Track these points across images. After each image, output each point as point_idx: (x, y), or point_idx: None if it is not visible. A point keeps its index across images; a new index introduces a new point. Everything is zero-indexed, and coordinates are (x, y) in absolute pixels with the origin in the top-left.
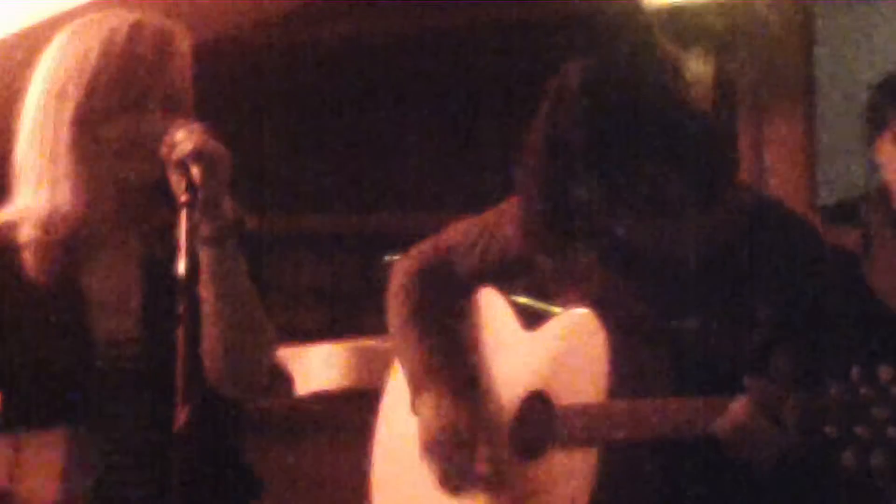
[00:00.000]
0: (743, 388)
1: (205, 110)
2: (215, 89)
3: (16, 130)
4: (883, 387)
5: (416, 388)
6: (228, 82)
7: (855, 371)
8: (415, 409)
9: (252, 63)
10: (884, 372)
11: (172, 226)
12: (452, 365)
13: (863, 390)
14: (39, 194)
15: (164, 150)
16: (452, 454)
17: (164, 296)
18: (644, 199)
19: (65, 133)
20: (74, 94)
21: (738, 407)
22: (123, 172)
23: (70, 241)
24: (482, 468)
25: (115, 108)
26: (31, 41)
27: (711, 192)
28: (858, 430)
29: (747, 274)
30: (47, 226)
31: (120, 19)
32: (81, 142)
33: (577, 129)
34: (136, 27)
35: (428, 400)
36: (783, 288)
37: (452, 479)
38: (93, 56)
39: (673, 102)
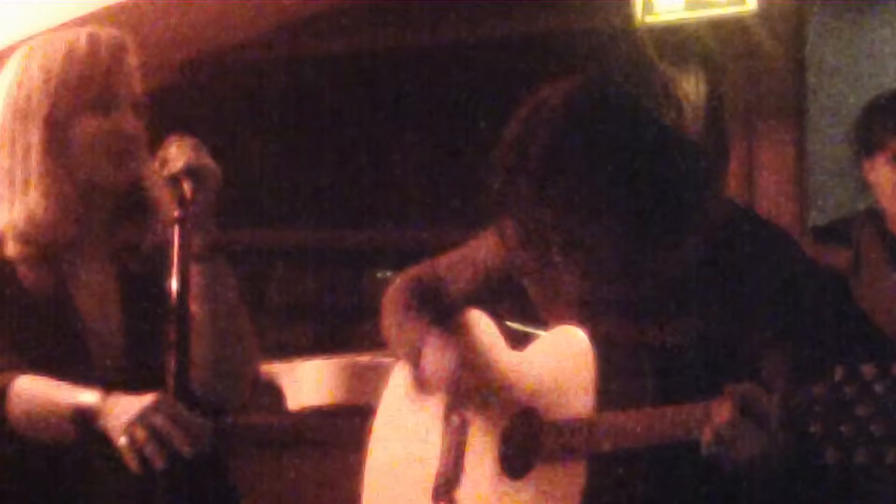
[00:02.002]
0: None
1: (196, 124)
2: (206, 103)
3: None
4: (866, 385)
5: (415, 357)
6: (219, 97)
7: (838, 370)
8: (418, 379)
9: (243, 78)
10: (867, 370)
11: (143, 236)
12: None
13: (847, 389)
14: (14, 202)
15: (156, 164)
16: (462, 384)
17: (143, 308)
18: (622, 215)
19: (34, 139)
20: (42, 101)
21: (721, 409)
22: (93, 174)
23: (53, 251)
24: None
25: (81, 108)
26: None
27: (693, 207)
28: (843, 428)
29: (729, 283)
30: (28, 237)
31: (77, 31)
32: (51, 147)
33: (553, 145)
34: (94, 36)
35: (428, 354)
36: (761, 293)
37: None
38: (56, 63)
39: (658, 120)
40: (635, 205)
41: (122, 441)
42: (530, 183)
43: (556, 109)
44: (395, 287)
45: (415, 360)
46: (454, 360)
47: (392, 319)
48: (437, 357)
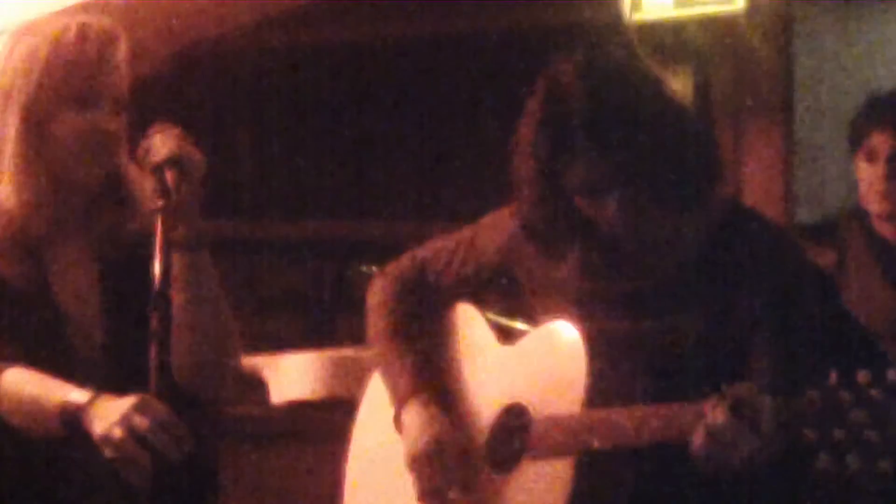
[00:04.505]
0: (719, 393)
1: (181, 115)
2: (192, 94)
3: None
4: (861, 390)
5: (400, 401)
6: (206, 87)
7: (833, 375)
8: (398, 422)
9: (229, 68)
10: (862, 375)
11: (121, 227)
12: (435, 379)
13: (841, 393)
14: None
15: (139, 153)
16: (439, 467)
17: (122, 298)
18: (631, 188)
19: (11, 129)
20: (23, 89)
21: (714, 411)
22: (70, 171)
23: (27, 242)
24: (455, 492)
25: (63, 104)
26: None
27: (697, 190)
28: (836, 433)
29: (724, 280)
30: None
31: (67, 20)
32: (28, 138)
33: (573, 117)
34: (83, 28)
35: (413, 413)
36: (760, 293)
37: (437, 493)
38: (42, 54)
39: (649, 109)
40: (654, 184)
41: (104, 442)
42: (548, 166)
43: (571, 91)
44: (379, 292)
45: (396, 414)
46: (433, 438)
47: (377, 340)
48: (416, 439)
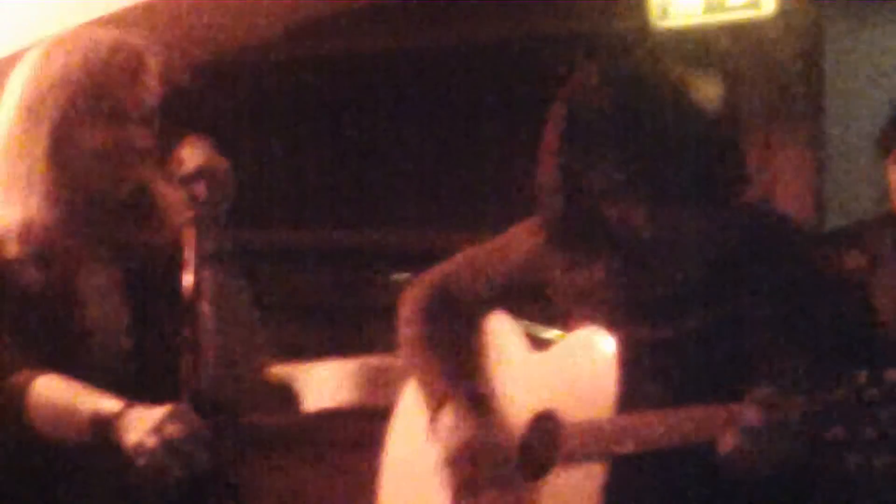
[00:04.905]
0: (747, 395)
1: (207, 126)
2: (217, 105)
3: None
4: (890, 388)
5: (434, 408)
6: (230, 99)
7: (862, 374)
8: (433, 428)
9: (253, 80)
10: (891, 374)
11: (149, 239)
12: (469, 383)
13: (870, 392)
14: (13, 207)
15: (169, 166)
16: (474, 467)
17: (149, 310)
18: (657, 193)
19: (42, 143)
20: (53, 104)
21: (744, 413)
22: (97, 185)
23: (55, 254)
24: (489, 494)
25: (92, 119)
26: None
27: (723, 195)
28: (866, 431)
29: (751, 283)
30: (28, 240)
31: (99, 35)
32: (58, 152)
33: (597, 125)
34: (115, 44)
35: (448, 416)
36: (787, 295)
37: (472, 493)
38: (74, 68)
39: (676, 115)
40: (679, 189)
41: (137, 451)
42: (574, 172)
43: (597, 97)
44: (410, 303)
45: (430, 420)
46: (466, 447)
47: (410, 349)
48: (451, 440)
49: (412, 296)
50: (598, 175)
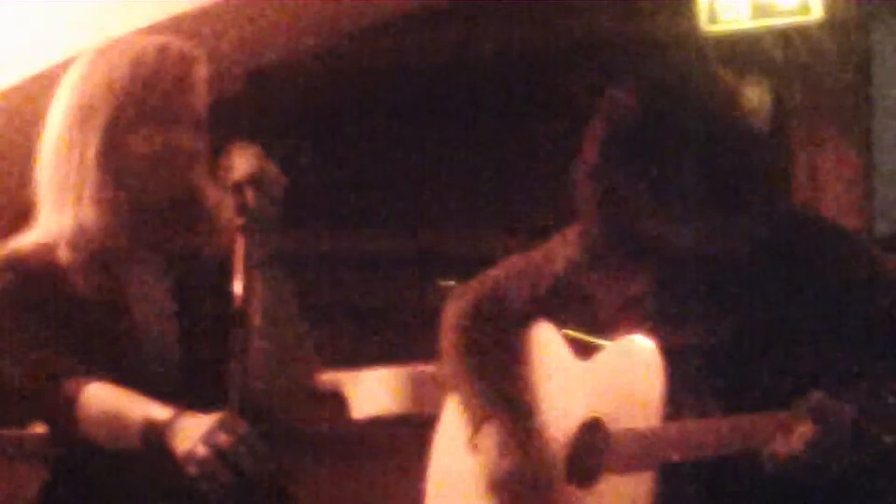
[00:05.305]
0: (795, 403)
1: (256, 133)
2: (267, 111)
3: (37, 155)
4: None
5: (476, 423)
6: (280, 104)
7: None
8: (473, 444)
9: (303, 85)
10: None
11: (198, 245)
12: (510, 401)
13: None
14: (64, 213)
15: (219, 172)
16: (520, 491)
17: (198, 316)
18: (694, 214)
19: (92, 148)
20: (103, 109)
21: (794, 421)
22: (147, 191)
23: (105, 259)
24: None
25: (141, 124)
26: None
27: (767, 205)
28: None
29: (797, 291)
30: (79, 245)
31: (147, 41)
32: (108, 157)
33: (634, 141)
34: (163, 49)
35: (489, 436)
36: (833, 301)
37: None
38: (123, 74)
39: (724, 120)
40: (716, 203)
41: (188, 460)
42: (613, 182)
43: (637, 106)
44: (453, 314)
45: (471, 437)
46: (512, 465)
47: (451, 361)
48: (495, 461)
49: (455, 307)
50: (638, 190)
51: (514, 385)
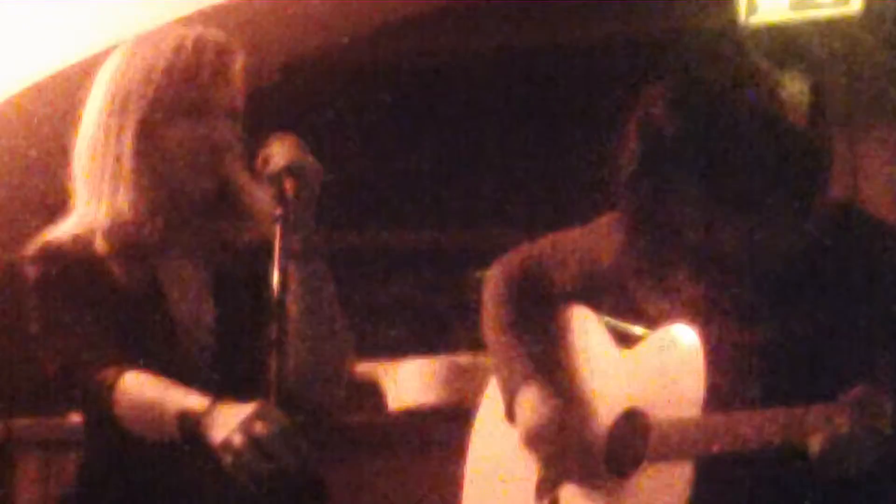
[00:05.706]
0: (836, 395)
1: (294, 124)
2: (305, 104)
3: (73, 147)
4: None
5: (513, 389)
6: (317, 97)
7: None
8: (511, 411)
9: (340, 79)
10: None
11: (234, 235)
12: (549, 368)
13: None
14: (101, 203)
15: (257, 163)
16: (558, 443)
17: (234, 306)
18: (737, 207)
19: (128, 139)
20: (140, 100)
21: (837, 415)
22: (183, 180)
23: (142, 250)
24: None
25: (178, 115)
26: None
27: (804, 202)
28: None
29: (838, 284)
30: (116, 236)
31: (184, 32)
32: (145, 148)
33: (671, 137)
34: (200, 40)
35: (527, 398)
36: (875, 295)
37: (554, 471)
38: (160, 65)
39: (765, 113)
40: (759, 197)
41: (224, 449)
42: (653, 176)
43: (677, 102)
44: (494, 285)
45: (509, 403)
46: (549, 421)
47: (492, 329)
48: (533, 416)
49: (496, 274)
50: (679, 187)
51: (556, 355)
